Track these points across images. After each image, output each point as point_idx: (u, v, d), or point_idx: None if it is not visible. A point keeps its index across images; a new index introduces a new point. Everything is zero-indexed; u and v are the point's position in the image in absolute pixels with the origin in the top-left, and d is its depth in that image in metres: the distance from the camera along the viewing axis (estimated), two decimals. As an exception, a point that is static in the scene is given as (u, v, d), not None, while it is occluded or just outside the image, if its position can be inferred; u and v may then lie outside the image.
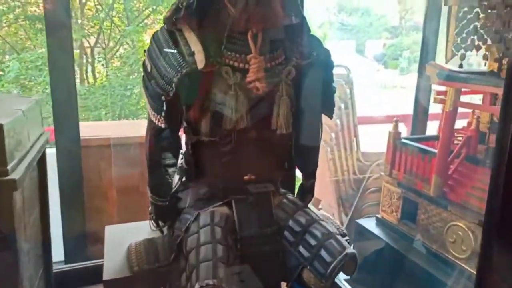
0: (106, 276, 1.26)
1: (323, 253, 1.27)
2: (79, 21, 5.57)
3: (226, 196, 1.38)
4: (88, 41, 5.57)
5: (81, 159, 1.87)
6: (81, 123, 2.29)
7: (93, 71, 5.73)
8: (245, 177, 1.35)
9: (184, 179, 1.46)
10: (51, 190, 1.84)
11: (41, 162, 1.38)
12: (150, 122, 1.28)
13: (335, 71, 2.79)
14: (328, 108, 1.45)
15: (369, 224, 2.28)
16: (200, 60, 1.16)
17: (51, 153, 1.87)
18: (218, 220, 1.30)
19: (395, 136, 2.13)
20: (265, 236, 1.34)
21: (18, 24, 4.94)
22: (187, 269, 1.19)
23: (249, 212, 1.36)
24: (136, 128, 2.09)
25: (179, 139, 1.36)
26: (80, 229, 1.98)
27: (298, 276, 1.32)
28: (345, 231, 1.64)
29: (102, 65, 5.77)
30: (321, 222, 1.37)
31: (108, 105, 4.95)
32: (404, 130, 3.80)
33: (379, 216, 2.25)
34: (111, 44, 5.82)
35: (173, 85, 1.15)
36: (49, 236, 1.50)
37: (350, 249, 1.27)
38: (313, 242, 1.29)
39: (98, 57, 5.82)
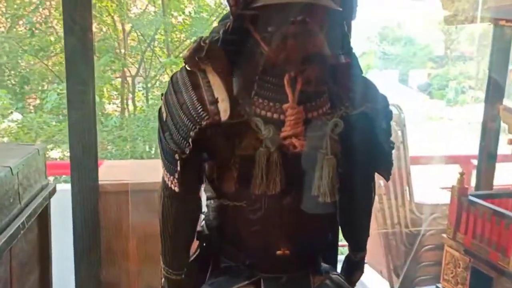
0: None
1: None
2: (122, 51, 5.66)
3: (254, 274, 1.11)
4: (129, 70, 5.64)
5: (98, 206, 1.69)
6: (104, 163, 2.12)
7: (133, 100, 5.77)
8: (278, 252, 1.08)
9: (204, 246, 1.21)
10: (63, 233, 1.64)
11: (42, 218, 1.20)
12: (164, 182, 1.05)
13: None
14: (385, 167, 1.16)
15: (427, 294, 1.92)
16: (224, 110, 0.93)
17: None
18: (243, 310, 1.03)
19: (460, 192, 1.79)
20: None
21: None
22: None
23: (282, 295, 1.08)
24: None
25: (198, 202, 1.11)
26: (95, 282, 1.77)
27: None
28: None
29: (143, 94, 5.81)
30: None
31: (145, 135, 4.89)
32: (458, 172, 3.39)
33: (440, 286, 1.88)
34: (152, 73, 5.86)
35: (190, 140, 0.92)
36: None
37: None
38: None
39: (139, 87, 5.87)
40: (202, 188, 1.12)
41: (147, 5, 5.77)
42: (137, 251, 1.68)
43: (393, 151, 2.39)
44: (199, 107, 0.93)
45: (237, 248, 1.12)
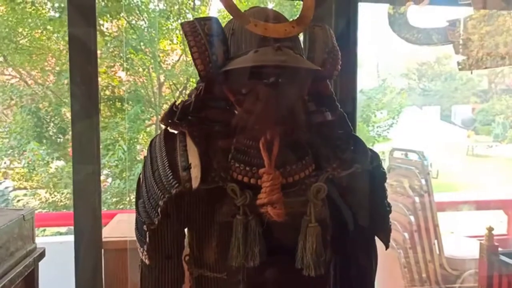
0: None
1: None
2: (157, 100, 5.90)
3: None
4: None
5: (101, 264, 1.66)
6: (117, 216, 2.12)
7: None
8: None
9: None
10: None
11: (28, 284, 1.18)
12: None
13: (409, 156, 2.32)
14: (382, 232, 1.06)
15: None
16: (195, 177, 0.89)
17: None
18: None
19: (489, 250, 1.60)
20: None
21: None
22: None
23: None
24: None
25: (179, 271, 1.05)
26: None
27: None
28: None
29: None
30: None
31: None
32: (504, 219, 3.09)
33: None
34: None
35: (159, 210, 0.88)
36: None
37: None
38: None
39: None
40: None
41: (181, 55, 6.05)
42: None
43: (418, 201, 2.25)
44: (170, 174, 0.89)
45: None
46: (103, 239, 1.67)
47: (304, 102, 0.97)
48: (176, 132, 0.98)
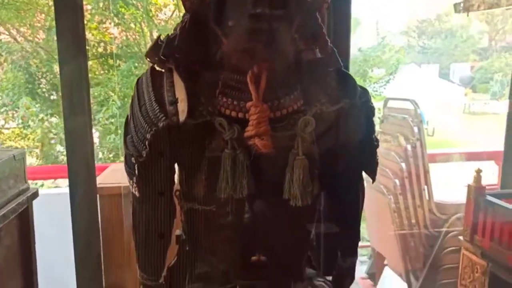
0: None
1: None
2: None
3: (229, 280, 1.07)
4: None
5: (97, 209, 1.70)
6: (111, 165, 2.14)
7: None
8: (253, 258, 1.03)
9: (183, 251, 1.18)
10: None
11: (22, 222, 1.21)
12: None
13: (401, 105, 2.33)
14: (369, 167, 1.08)
15: (444, 300, 1.78)
16: (182, 111, 0.89)
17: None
18: (214, 319, 0.98)
19: (477, 191, 1.64)
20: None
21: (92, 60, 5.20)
22: None
23: (259, 304, 1.03)
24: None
25: (170, 206, 1.07)
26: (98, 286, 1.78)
27: None
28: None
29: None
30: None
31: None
32: (495, 170, 3.14)
33: (457, 292, 1.74)
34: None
35: (147, 143, 0.89)
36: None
37: None
38: None
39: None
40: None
41: (174, 11, 5.86)
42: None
43: (410, 148, 2.27)
44: (157, 109, 0.90)
45: (210, 254, 1.08)
46: (98, 185, 1.70)
47: (294, 39, 0.95)
48: (163, 70, 0.97)
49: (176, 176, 1.08)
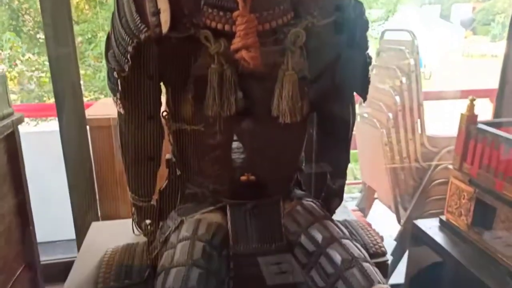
0: (65, 291, 1.06)
1: (340, 286, 0.92)
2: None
3: (218, 200, 1.08)
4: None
5: (88, 140, 1.69)
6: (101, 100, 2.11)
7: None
8: (242, 178, 1.03)
9: (173, 174, 1.18)
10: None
11: (10, 146, 1.20)
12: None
13: (397, 36, 2.26)
14: (361, 85, 1.06)
15: (430, 227, 1.84)
16: (164, 21, 0.84)
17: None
18: (203, 233, 1.01)
19: (469, 120, 1.64)
20: (267, 254, 1.02)
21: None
22: (154, 296, 0.93)
23: (248, 221, 1.05)
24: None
25: (157, 126, 1.05)
26: (93, 216, 1.82)
27: (310, 308, 0.99)
28: (384, 249, 1.26)
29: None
30: (344, 241, 1.01)
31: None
32: (490, 107, 3.13)
33: (443, 218, 1.80)
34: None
35: (128, 56, 0.85)
36: (30, 231, 1.34)
37: (381, 285, 0.91)
38: (329, 269, 0.95)
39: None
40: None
41: None
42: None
43: (404, 81, 2.23)
44: (138, 19, 0.85)
45: (200, 175, 1.08)
46: (87, 117, 1.67)
47: None
48: None
49: (163, 97, 1.06)
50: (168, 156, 1.18)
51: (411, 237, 1.92)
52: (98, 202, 1.76)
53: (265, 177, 1.05)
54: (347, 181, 1.22)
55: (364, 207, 2.84)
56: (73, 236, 1.79)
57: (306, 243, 1.02)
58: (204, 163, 1.05)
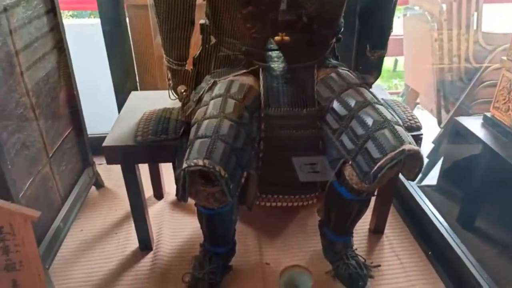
0: (106, 142, 1.12)
1: (370, 146, 0.92)
2: None
3: (251, 63, 1.07)
4: None
5: (125, 17, 1.69)
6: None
7: None
8: (276, 38, 1.00)
9: (206, 42, 1.17)
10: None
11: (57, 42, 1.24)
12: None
13: None
14: None
15: (473, 123, 1.76)
16: None
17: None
18: (236, 92, 1.01)
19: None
20: (298, 118, 1.03)
21: None
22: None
23: (281, 85, 1.04)
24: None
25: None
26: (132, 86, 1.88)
27: (338, 173, 1.01)
28: (419, 124, 1.23)
29: None
30: (377, 105, 0.99)
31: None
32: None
33: (488, 114, 1.71)
34: None
35: None
36: (76, 95, 1.41)
37: (411, 145, 0.90)
38: (360, 131, 0.94)
39: None
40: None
41: None
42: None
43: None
44: None
45: (234, 37, 1.06)
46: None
47: None
48: None
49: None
50: (202, 20, 1.16)
51: (450, 135, 1.86)
52: (137, 77, 1.80)
53: (301, 38, 1.01)
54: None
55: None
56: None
57: (338, 108, 1.00)
58: (237, 22, 1.02)
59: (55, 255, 1.28)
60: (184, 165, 0.87)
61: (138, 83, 1.79)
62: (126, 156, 1.12)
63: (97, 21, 1.72)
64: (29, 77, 1.14)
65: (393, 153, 0.88)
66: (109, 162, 1.12)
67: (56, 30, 1.31)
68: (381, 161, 0.89)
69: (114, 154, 1.11)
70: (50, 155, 1.25)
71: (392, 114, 0.97)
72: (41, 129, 1.19)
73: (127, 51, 1.76)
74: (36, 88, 1.17)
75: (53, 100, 1.29)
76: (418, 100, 2.64)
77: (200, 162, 0.86)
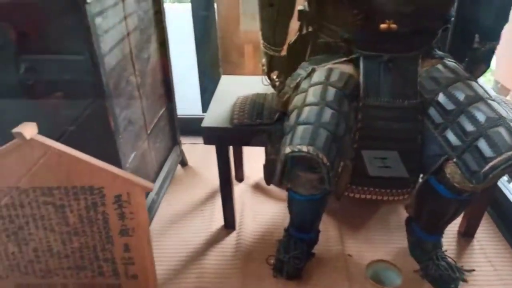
0: (205, 123, 1.17)
1: (482, 144, 0.87)
2: None
3: (352, 51, 1.05)
4: None
5: (213, 5, 1.74)
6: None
7: None
8: (382, 25, 0.97)
9: (305, 26, 1.16)
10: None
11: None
12: None
13: None
14: None
15: None
16: None
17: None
18: (336, 80, 1.01)
19: None
20: (398, 110, 1.00)
21: None
22: (286, 131, 0.98)
23: (382, 75, 1.01)
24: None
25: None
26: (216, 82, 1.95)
27: (438, 169, 0.97)
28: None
29: None
30: (490, 101, 0.93)
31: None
32: None
33: None
34: None
35: None
36: (170, 76, 1.48)
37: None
38: (470, 127, 0.90)
39: None
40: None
41: None
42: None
43: None
44: None
45: (334, 22, 1.05)
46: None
47: None
48: None
49: None
50: (300, 7, 1.16)
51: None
52: (221, 63, 1.84)
53: (408, 26, 0.97)
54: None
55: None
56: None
57: (444, 101, 0.96)
58: (340, 8, 1.00)
59: (150, 225, 1.37)
60: (287, 150, 0.89)
61: (221, 69, 1.83)
62: (222, 138, 1.16)
63: (179, 6, 1.79)
64: (136, 57, 1.21)
65: (509, 153, 0.83)
66: (206, 142, 1.17)
67: (159, 13, 1.38)
68: (495, 161, 0.84)
69: (212, 135, 1.15)
70: (149, 132, 1.34)
71: (506, 112, 0.91)
72: (143, 107, 1.28)
73: (213, 37, 1.81)
74: (141, 68, 1.25)
75: (153, 80, 1.37)
76: (508, 97, 2.44)
77: (304, 149, 0.87)
